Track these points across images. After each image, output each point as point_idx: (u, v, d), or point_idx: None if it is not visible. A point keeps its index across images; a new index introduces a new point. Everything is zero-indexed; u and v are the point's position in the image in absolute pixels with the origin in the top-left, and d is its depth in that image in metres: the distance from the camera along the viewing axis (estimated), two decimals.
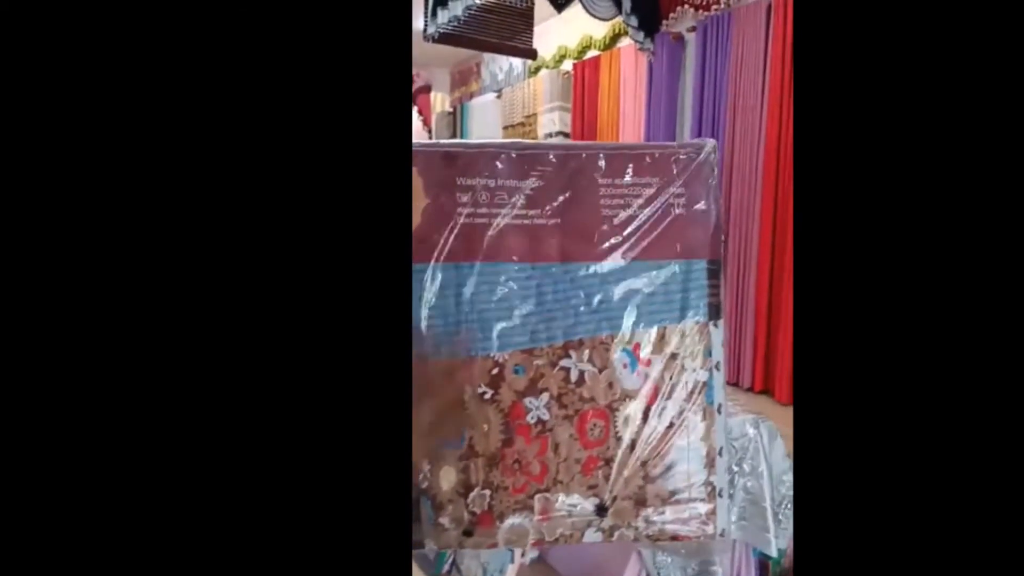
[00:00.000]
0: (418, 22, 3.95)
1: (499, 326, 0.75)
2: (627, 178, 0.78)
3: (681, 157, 0.80)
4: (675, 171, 0.79)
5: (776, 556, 1.63)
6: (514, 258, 0.76)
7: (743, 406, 1.88)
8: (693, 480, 0.82)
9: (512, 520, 0.77)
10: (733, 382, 3.29)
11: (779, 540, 1.60)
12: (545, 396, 0.77)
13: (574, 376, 0.77)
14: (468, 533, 0.75)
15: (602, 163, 0.78)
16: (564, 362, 0.77)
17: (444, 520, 0.75)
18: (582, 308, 0.77)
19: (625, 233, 0.78)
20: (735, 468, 1.58)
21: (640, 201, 0.78)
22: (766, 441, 1.61)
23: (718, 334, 0.83)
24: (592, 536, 0.79)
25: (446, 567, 1.60)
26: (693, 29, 3.63)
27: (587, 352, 0.78)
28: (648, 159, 0.79)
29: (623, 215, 0.78)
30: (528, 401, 0.76)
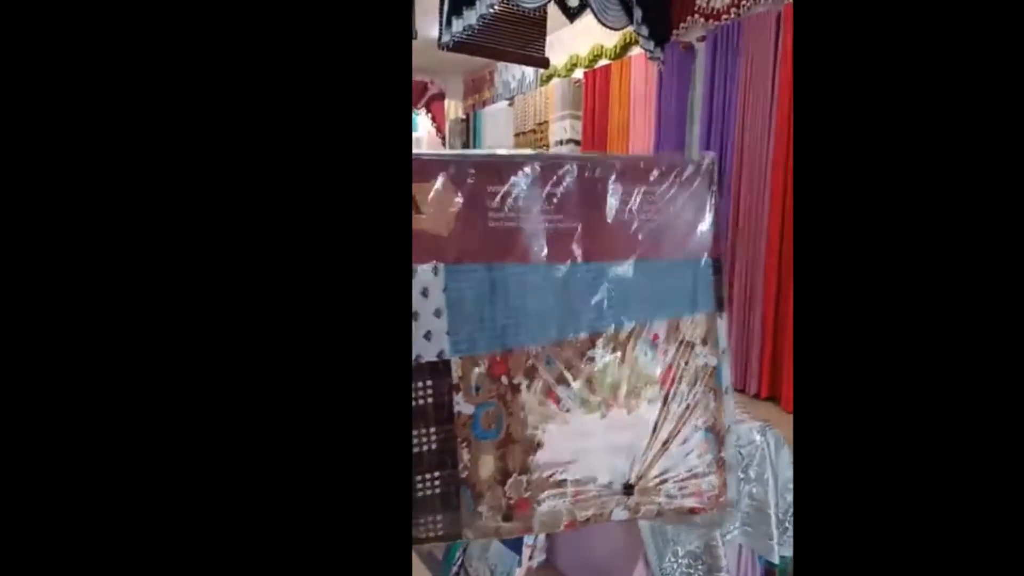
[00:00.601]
0: (433, 30, 4.00)
1: (531, 322, 0.81)
2: (639, 186, 0.86)
3: (686, 168, 0.89)
4: (681, 180, 0.88)
5: (778, 563, 1.64)
6: (543, 258, 0.81)
7: (750, 413, 1.88)
8: (707, 456, 0.90)
9: (548, 504, 0.81)
10: (740, 389, 3.28)
11: (783, 547, 1.60)
12: (575, 385, 0.82)
13: (600, 365, 0.84)
14: (507, 519, 0.80)
15: (617, 173, 0.86)
16: (591, 353, 0.83)
17: (483, 508, 0.79)
18: (605, 303, 0.84)
19: (640, 236, 0.86)
20: (740, 475, 1.60)
21: (651, 207, 0.86)
22: (773, 449, 1.61)
23: (723, 323, 0.92)
24: (619, 514, 0.85)
25: (454, 569, 1.61)
26: (703, 39, 3.65)
27: (612, 343, 0.84)
28: (657, 170, 0.88)
29: (637, 219, 0.86)
30: (560, 390, 0.82)
